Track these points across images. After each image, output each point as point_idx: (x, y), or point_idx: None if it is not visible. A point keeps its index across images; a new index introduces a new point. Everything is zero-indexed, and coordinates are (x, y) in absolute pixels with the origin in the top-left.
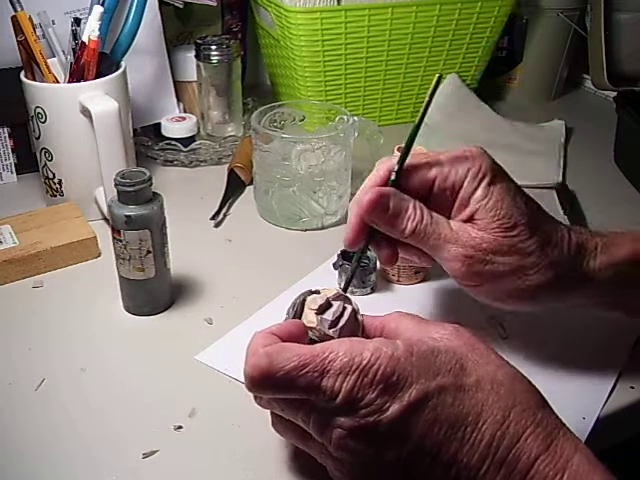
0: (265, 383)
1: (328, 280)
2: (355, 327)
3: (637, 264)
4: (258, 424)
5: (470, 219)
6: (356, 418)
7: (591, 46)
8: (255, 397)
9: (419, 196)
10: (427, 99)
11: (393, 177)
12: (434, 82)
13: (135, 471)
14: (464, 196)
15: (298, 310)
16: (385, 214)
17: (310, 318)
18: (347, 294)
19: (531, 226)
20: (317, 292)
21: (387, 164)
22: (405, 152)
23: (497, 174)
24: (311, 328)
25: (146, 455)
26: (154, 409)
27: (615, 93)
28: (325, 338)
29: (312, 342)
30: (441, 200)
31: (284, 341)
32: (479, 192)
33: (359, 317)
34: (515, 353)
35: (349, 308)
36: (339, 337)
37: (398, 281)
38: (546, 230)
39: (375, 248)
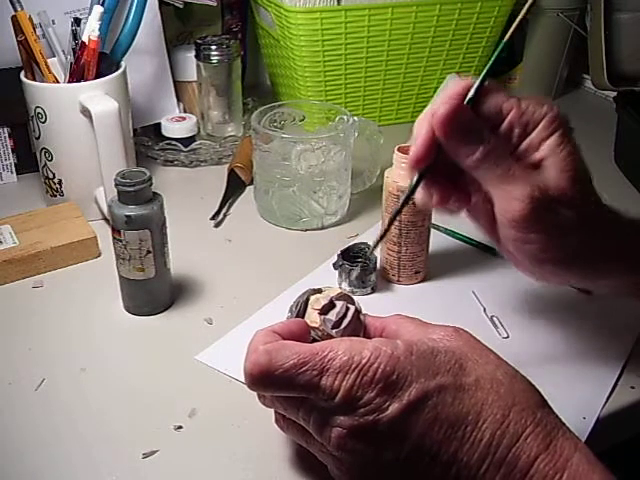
0: (264, 381)
1: (328, 280)
2: (358, 327)
3: None
4: (258, 424)
5: (537, 165)
6: (355, 417)
7: (591, 46)
8: (259, 396)
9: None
10: (521, 16)
11: (472, 94)
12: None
13: (135, 471)
14: (535, 139)
15: (301, 309)
16: (460, 130)
17: (313, 318)
18: (349, 294)
19: (591, 185)
20: (320, 291)
21: (461, 82)
22: (488, 70)
23: (569, 130)
24: (314, 328)
25: (146, 455)
26: (154, 409)
27: (615, 93)
28: (327, 338)
29: (314, 342)
30: (507, 137)
31: (285, 339)
32: (554, 139)
33: (362, 317)
34: (515, 353)
35: (352, 308)
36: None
37: (398, 281)
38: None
39: (429, 184)
